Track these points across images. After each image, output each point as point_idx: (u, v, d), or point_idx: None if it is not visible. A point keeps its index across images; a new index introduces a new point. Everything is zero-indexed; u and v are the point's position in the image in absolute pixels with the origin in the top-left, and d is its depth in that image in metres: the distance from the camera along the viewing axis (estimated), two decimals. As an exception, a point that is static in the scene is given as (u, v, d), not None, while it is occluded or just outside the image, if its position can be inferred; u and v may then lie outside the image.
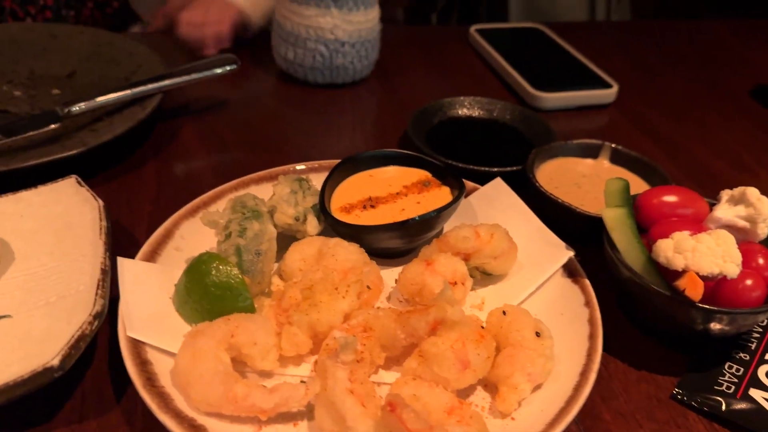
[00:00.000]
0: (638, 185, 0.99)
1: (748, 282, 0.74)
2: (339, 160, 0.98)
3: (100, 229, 0.80)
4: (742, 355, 0.80)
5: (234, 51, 1.36)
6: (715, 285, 0.75)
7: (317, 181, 0.93)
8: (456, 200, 0.86)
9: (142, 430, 0.68)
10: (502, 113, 1.21)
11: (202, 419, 0.64)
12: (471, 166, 1.01)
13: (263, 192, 0.92)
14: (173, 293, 0.78)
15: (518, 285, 0.83)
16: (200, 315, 0.74)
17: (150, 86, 1.09)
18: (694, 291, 0.72)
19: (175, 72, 1.12)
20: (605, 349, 0.75)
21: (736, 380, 0.76)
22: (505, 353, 0.70)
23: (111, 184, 1.01)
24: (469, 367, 0.67)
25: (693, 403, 0.74)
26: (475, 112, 1.21)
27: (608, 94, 1.33)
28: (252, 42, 1.46)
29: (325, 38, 1.25)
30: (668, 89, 1.45)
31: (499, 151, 1.13)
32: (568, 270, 0.84)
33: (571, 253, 0.84)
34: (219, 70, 1.15)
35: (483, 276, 0.84)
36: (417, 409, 0.61)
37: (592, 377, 0.69)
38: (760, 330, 0.83)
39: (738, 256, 0.73)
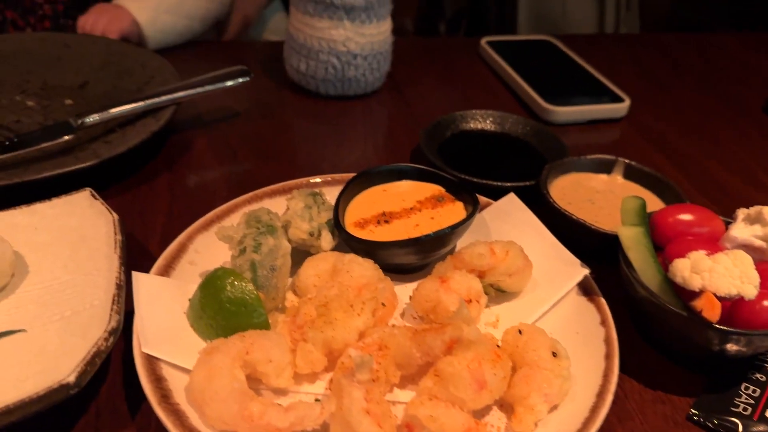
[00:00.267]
0: (652, 201, 0.99)
1: (766, 303, 0.73)
2: (352, 174, 0.98)
3: (115, 243, 0.80)
4: (758, 376, 0.79)
5: (245, 62, 1.37)
6: (732, 305, 0.74)
7: (331, 194, 0.93)
8: (470, 217, 0.86)
9: (156, 448, 0.68)
10: (514, 127, 1.20)
11: (217, 437, 0.64)
12: (484, 181, 1.01)
13: (277, 205, 0.92)
14: (188, 308, 0.78)
15: (533, 303, 0.83)
16: (215, 331, 0.74)
17: (163, 98, 1.09)
18: (712, 312, 0.72)
19: (188, 84, 1.12)
20: (620, 368, 0.74)
21: (752, 402, 0.76)
22: (522, 373, 0.70)
23: (124, 195, 1.01)
24: (485, 388, 0.66)
25: (709, 424, 0.73)
26: (488, 126, 1.21)
27: (620, 108, 1.32)
28: (263, 53, 1.47)
29: (338, 50, 1.25)
30: (680, 103, 1.45)
31: (512, 166, 1.13)
32: (584, 288, 0.83)
33: (586, 271, 0.84)
34: (232, 83, 1.15)
35: (497, 293, 0.83)
36: (434, 430, 0.61)
37: (609, 398, 0.69)
38: (777, 350, 0.83)
39: (756, 277, 0.72)
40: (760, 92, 1.51)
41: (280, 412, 0.65)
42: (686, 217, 0.84)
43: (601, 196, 1.00)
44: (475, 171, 1.03)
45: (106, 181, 1.03)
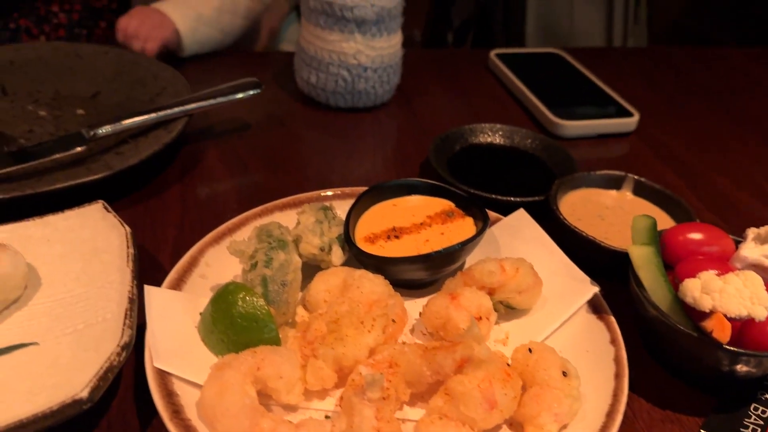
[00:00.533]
0: (661, 218, 0.99)
1: (776, 324, 0.73)
2: (362, 188, 0.99)
3: (128, 256, 0.80)
4: (768, 396, 0.79)
5: (255, 72, 1.38)
6: (742, 326, 0.74)
7: (341, 208, 0.93)
8: (480, 233, 0.86)
9: (167, 462, 0.68)
10: (523, 141, 1.21)
11: (228, 454, 0.64)
12: (493, 196, 1.01)
13: (287, 219, 0.93)
14: (199, 322, 0.78)
15: (543, 320, 0.83)
16: (226, 345, 0.75)
17: (175, 110, 1.09)
18: (722, 333, 0.72)
19: (200, 96, 1.13)
20: (629, 387, 0.74)
21: (761, 422, 0.76)
22: (532, 393, 0.70)
23: (136, 207, 1.02)
24: (495, 407, 0.67)
25: (719, 444, 0.74)
26: (497, 140, 1.21)
27: (629, 123, 1.33)
28: (273, 64, 1.48)
29: (348, 63, 1.26)
30: (688, 117, 1.45)
31: (521, 180, 1.13)
32: (593, 306, 0.83)
33: (596, 289, 0.84)
34: (243, 95, 1.16)
35: (507, 310, 0.84)
36: (444, 449, 0.61)
37: (619, 418, 0.69)
38: (786, 370, 0.83)
39: (766, 298, 0.72)
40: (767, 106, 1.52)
41: (290, 429, 0.65)
42: (696, 236, 0.84)
43: (610, 212, 1.00)
44: (485, 185, 1.03)
45: (118, 192, 1.03)
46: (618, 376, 0.74)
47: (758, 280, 0.73)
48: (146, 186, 1.07)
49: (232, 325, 0.74)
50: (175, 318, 0.77)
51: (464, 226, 0.91)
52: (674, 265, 0.83)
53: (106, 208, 0.87)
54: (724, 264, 0.80)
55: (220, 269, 0.87)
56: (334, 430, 0.65)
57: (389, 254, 0.85)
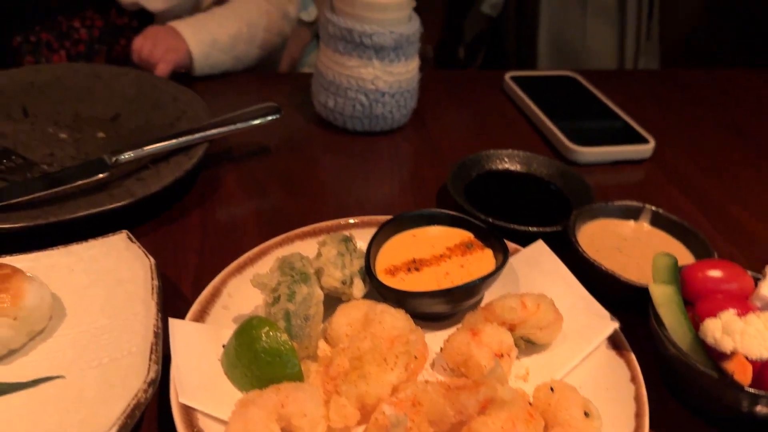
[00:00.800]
0: (679, 251, 0.99)
1: (797, 366, 0.74)
2: (380, 216, 1.00)
3: (152, 288, 0.81)
4: (788, 436, 0.79)
5: (272, 95, 1.39)
6: (762, 366, 0.74)
7: (360, 237, 0.94)
8: (501, 267, 0.87)
9: (192, 499, 0.68)
10: (540, 168, 1.21)
11: (253, 493, 0.65)
12: (512, 225, 1.02)
13: (308, 248, 0.93)
14: (222, 355, 0.79)
15: (563, 356, 0.83)
16: (249, 381, 0.75)
17: (196, 135, 1.10)
18: (743, 375, 0.72)
19: (220, 121, 1.14)
20: (649, 425, 0.75)
21: (782, 463, 0.76)
22: (554, 433, 0.70)
23: (156, 233, 1.03)
24: (519, 449, 0.67)
25: (739, 485, 0.74)
26: (513, 166, 1.22)
27: (645, 150, 1.33)
28: (290, 86, 1.49)
29: (366, 88, 1.27)
30: (703, 143, 1.46)
31: (538, 208, 1.14)
32: (613, 342, 0.84)
33: (616, 325, 0.84)
34: (263, 120, 1.17)
35: (527, 345, 0.84)
36: (469, 493, 0.62)
37: (640, 460, 0.69)
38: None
39: (787, 341, 0.73)
40: (783, 132, 1.52)
41: (315, 468, 0.66)
42: (716, 273, 0.85)
43: (629, 243, 1.01)
44: (502, 213, 1.04)
45: (138, 218, 1.04)
46: (638, 415, 0.74)
47: (779, 321, 0.74)
48: (166, 211, 1.08)
49: (256, 360, 0.75)
50: (199, 351, 0.78)
51: (484, 258, 0.92)
52: (693, 301, 0.83)
53: (130, 238, 0.88)
54: (743, 302, 0.80)
55: (241, 300, 0.87)
56: (359, 470, 0.65)
57: (410, 287, 0.86)
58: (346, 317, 0.83)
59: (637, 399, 0.76)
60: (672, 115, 1.56)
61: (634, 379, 0.79)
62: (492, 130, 1.44)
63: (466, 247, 0.93)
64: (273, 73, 1.64)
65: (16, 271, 0.79)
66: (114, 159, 1.04)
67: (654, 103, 1.61)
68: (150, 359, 0.72)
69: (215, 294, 0.86)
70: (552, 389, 0.74)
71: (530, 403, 0.73)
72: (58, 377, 0.74)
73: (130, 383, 0.70)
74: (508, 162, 1.23)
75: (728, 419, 0.80)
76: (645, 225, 1.04)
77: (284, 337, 0.76)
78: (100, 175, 1.02)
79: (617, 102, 1.49)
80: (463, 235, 0.95)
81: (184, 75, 1.44)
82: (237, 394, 0.75)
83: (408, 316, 0.82)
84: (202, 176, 1.16)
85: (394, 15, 1.23)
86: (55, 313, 0.82)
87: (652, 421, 0.75)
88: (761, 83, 1.77)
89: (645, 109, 1.55)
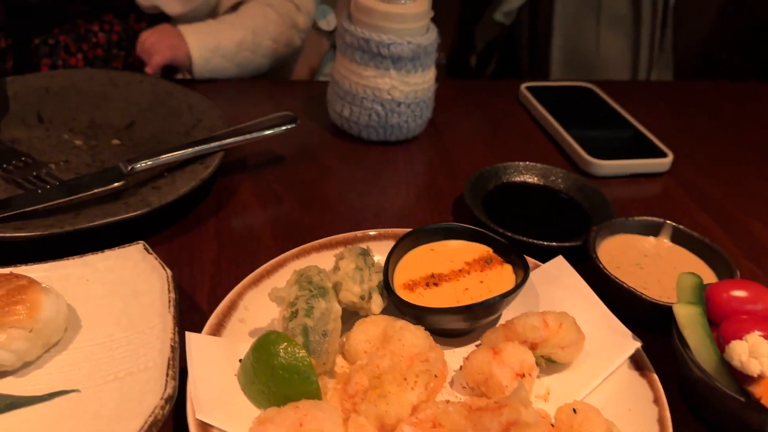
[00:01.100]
0: (700, 269, 0.98)
1: (825, 390, 0.72)
2: (397, 229, 0.99)
3: (169, 301, 0.80)
4: (814, 462, 0.78)
5: (286, 102, 1.38)
6: (789, 389, 0.73)
7: (377, 250, 0.93)
8: (521, 284, 0.86)
9: None
10: (557, 181, 1.20)
11: None
12: (531, 240, 1.01)
13: (324, 260, 0.93)
14: (238, 370, 0.78)
15: (584, 375, 0.82)
16: (266, 397, 0.74)
17: (212, 144, 1.10)
18: (771, 399, 0.71)
19: (236, 131, 1.13)
20: (673, 448, 0.73)
21: (808, 489, 0.74)
22: (578, 457, 0.69)
23: (172, 243, 1.02)
24: (542, 473, 0.66)
25: None
26: (531, 179, 1.21)
27: (663, 164, 1.32)
28: (305, 94, 1.48)
29: (382, 98, 1.26)
30: (721, 157, 1.44)
31: (556, 222, 1.13)
32: (635, 362, 0.82)
33: (638, 344, 0.83)
34: (279, 129, 1.16)
35: (548, 364, 0.83)
36: None
37: (665, 485, 0.68)
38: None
39: (815, 365, 0.71)
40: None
41: (335, 490, 0.65)
42: (740, 293, 0.83)
43: (649, 260, 0.99)
44: (520, 227, 1.03)
45: (153, 227, 1.03)
46: (662, 438, 0.73)
47: (807, 345, 0.72)
48: (182, 220, 1.07)
49: (273, 377, 0.74)
50: (215, 366, 0.77)
51: (503, 274, 0.91)
52: (716, 321, 0.82)
53: (146, 249, 0.87)
54: (768, 324, 0.79)
55: (258, 313, 0.86)
56: (379, 493, 0.64)
57: (429, 303, 0.85)
58: (364, 333, 0.81)
59: (661, 421, 0.75)
60: (689, 127, 1.55)
61: (657, 401, 0.77)
62: (507, 140, 1.43)
63: (485, 262, 0.92)
64: (288, 82, 1.63)
65: (32, 282, 0.79)
66: (130, 167, 1.04)
67: (671, 115, 1.60)
68: (167, 375, 0.71)
69: (232, 307, 0.85)
70: (574, 411, 0.72)
71: (552, 425, 0.72)
72: (73, 391, 0.74)
73: (146, 399, 0.69)
74: (525, 174, 1.21)
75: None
76: (665, 241, 1.03)
77: (302, 353, 0.75)
78: (116, 184, 1.01)
79: (634, 113, 1.48)
80: (482, 249, 0.94)
81: (200, 83, 1.44)
82: (254, 411, 0.74)
83: (428, 333, 0.81)
84: (217, 185, 1.16)
85: (412, 25, 1.22)
86: (70, 325, 0.81)
87: (674, 442, 0.74)
88: (779, 96, 1.76)
89: (662, 121, 1.53)
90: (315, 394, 0.74)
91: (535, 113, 1.50)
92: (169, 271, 0.84)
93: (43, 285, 0.79)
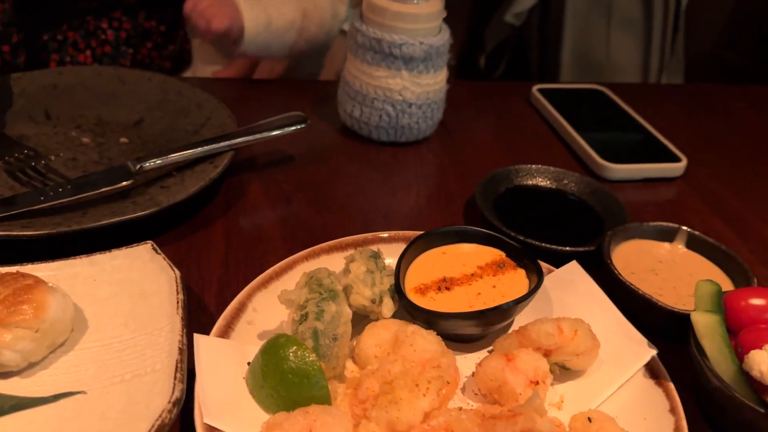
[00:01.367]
0: (716, 275, 0.96)
1: None
2: (408, 231, 0.98)
3: (177, 302, 0.79)
4: (834, 475, 0.76)
5: (296, 101, 1.37)
6: (809, 401, 0.72)
7: (387, 252, 0.91)
8: (535, 290, 0.84)
9: None
10: (570, 184, 1.18)
11: None
12: (544, 245, 0.99)
13: (334, 262, 0.91)
14: (247, 373, 0.76)
15: (599, 383, 0.80)
16: (275, 401, 0.73)
17: (222, 144, 1.08)
18: (791, 410, 0.69)
19: (246, 130, 1.12)
20: (689, 459, 0.72)
21: (828, 503, 0.73)
22: (593, 467, 0.67)
23: (180, 243, 1.00)
24: (557, 483, 0.64)
25: None
26: (543, 182, 1.19)
27: (677, 168, 1.30)
28: (314, 93, 1.47)
29: (393, 99, 1.24)
30: (735, 160, 1.42)
31: (569, 226, 1.11)
32: (651, 370, 0.81)
33: (654, 352, 0.82)
34: (289, 129, 1.15)
35: (562, 371, 0.81)
36: None
37: (682, 497, 0.67)
38: None
39: (837, 376, 0.70)
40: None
41: (345, 498, 0.63)
42: (758, 301, 0.81)
43: (664, 266, 0.98)
44: (532, 231, 1.01)
45: (161, 227, 1.02)
46: (679, 449, 0.72)
47: (829, 355, 0.71)
48: (190, 219, 1.06)
49: (283, 381, 0.72)
50: (224, 369, 0.75)
51: (516, 279, 0.89)
52: (734, 330, 0.80)
53: (155, 249, 0.86)
54: (789, 333, 0.77)
55: (267, 315, 0.85)
56: (390, 502, 0.63)
57: (441, 308, 0.83)
58: (374, 338, 0.80)
59: (677, 431, 0.73)
60: (702, 131, 1.53)
61: (673, 410, 0.76)
62: (518, 142, 1.41)
63: (497, 267, 0.90)
64: (298, 81, 1.62)
65: (38, 281, 0.77)
66: (138, 166, 1.02)
67: (683, 119, 1.58)
68: (175, 377, 0.69)
69: (240, 309, 0.84)
70: (590, 419, 0.71)
71: (567, 434, 0.71)
72: (79, 393, 0.72)
73: (153, 402, 0.68)
74: (538, 177, 1.20)
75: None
76: (680, 247, 1.01)
77: (312, 357, 0.73)
78: (124, 183, 1.00)
79: (646, 117, 1.46)
80: (494, 253, 0.92)
81: (209, 81, 1.43)
82: (262, 415, 0.73)
83: (439, 338, 0.79)
84: (225, 185, 1.14)
85: (425, 26, 1.21)
86: (76, 326, 0.80)
87: (691, 453, 0.73)
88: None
89: (674, 124, 1.51)
90: (325, 399, 0.73)
91: (546, 115, 1.49)
92: (177, 271, 0.83)
93: (50, 284, 0.78)
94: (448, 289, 0.87)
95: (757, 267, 1.10)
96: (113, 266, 0.85)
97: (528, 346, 0.79)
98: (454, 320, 0.82)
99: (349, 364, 0.81)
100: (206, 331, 0.79)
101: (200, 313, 0.89)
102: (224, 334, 0.80)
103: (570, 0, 2.27)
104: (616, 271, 0.91)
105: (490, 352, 0.84)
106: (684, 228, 1.01)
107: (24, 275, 0.78)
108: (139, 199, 1.00)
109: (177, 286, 0.81)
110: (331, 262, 0.92)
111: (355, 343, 0.82)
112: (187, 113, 1.23)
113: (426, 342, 0.78)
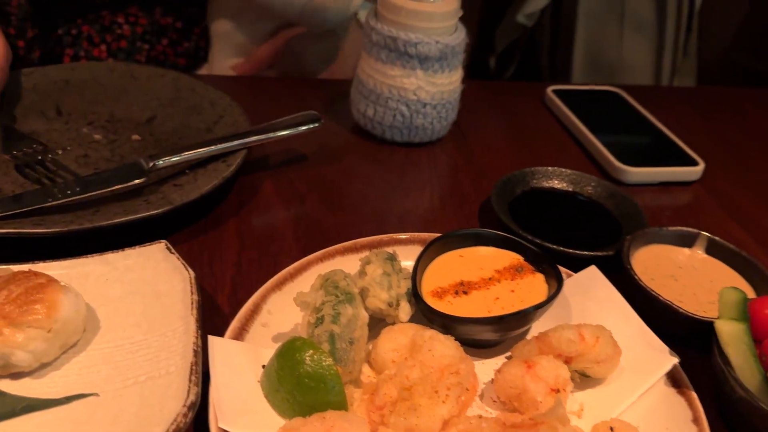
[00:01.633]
0: (737, 282, 0.95)
1: None
2: (423, 233, 0.97)
3: (192, 303, 0.77)
4: None
5: (308, 100, 1.36)
6: (837, 413, 0.70)
7: (402, 254, 0.90)
8: (555, 295, 0.83)
9: None
10: (587, 187, 1.17)
11: None
12: (563, 249, 0.98)
13: (349, 263, 0.90)
14: (262, 376, 0.75)
15: (619, 391, 0.79)
16: (291, 406, 0.72)
17: (235, 142, 1.07)
18: (819, 422, 0.68)
19: (259, 129, 1.11)
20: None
21: None
22: (617, 479, 0.66)
23: (193, 242, 0.99)
24: (580, 495, 0.63)
25: None
26: (559, 184, 1.18)
27: (694, 172, 1.28)
28: (327, 92, 1.46)
29: (408, 99, 1.23)
30: (752, 164, 1.41)
31: (586, 229, 1.09)
32: (673, 379, 0.79)
33: (675, 360, 0.80)
34: (302, 128, 1.13)
35: (582, 378, 0.80)
36: None
37: None
38: None
39: None
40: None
41: (363, 507, 0.62)
42: (783, 309, 0.80)
43: (684, 272, 0.96)
44: (549, 234, 1.00)
45: (174, 225, 1.01)
46: (703, 460, 0.70)
47: None
48: (202, 218, 1.04)
49: (299, 385, 0.71)
50: (238, 372, 0.74)
51: (535, 283, 0.88)
52: (758, 339, 0.78)
53: (168, 248, 0.85)
54: (814, 343, 0.76)
55: (281, 317, 0.84)
56: None
57: (458, 312, 0.82)
58: (391, 342, 0.79)
59: (701, 442, 0.72)
60: (718, 134, 1.51)
61: (696, 420, 0.74)
62: (533, 144, 1.40)
63: (516, 271, 0.89)
64: (311, 80, 1.60)
65: (51, 280, 0.76)
66: (151, 164, 1.01)
67: (698, 121, 1.56)
68: (190, 380, 0.68)
69: (255, 310, 0.82)
70: (612, 429, 0.69)
71: (589, 444, 0.69)
72: (91, 395, 0.71)
73: (167, 405, 0.67)
74: (554, 180, 1.18)
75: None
76: (700, 253, 1.00)
77: (329, 361, 0.72)
78: (137, 181, 0.99)
79: (661, 119, 1.44)
80: (512, 257, 0.91)
81: (222, 78, 1.41)
82: (278, 420, 0.72)
83: (458, 344, 0.78)
84: (238, 183, 1.13)
85: (441, 24, 1.19)
86: (89, 326, 0.78)
87: (715, 465, 0.71)
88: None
89: (689, 127, 1.49)
90: (341, 405, 0.71)
91: (561, 117, 1.47)
92: (192, 271, 0.81)
93: (62, 283, 0.77)
94: (465, 293, 0.85)
95: (777, 274, 1.08)
96: (126, 265, 0.84)
97: (548, 352, 0.77)
98: (473, 325, 0.80)
99: (366, 369, 0.80)
100: (220, 333, 0.78)
101: (214, 314, 0.88)
102: (238, 336, 0.79)
103: (583, 1, 2.25)
104: (636, 277, 0.90)
105: (508, 358, 0.83)
106: (704, 233, 0.99)
107: (36, 274, 0.77)
108: (152, 197, 0.99)
109: (192, 286, 0.79)
110: (346, 263, 0.91)
111: (371, 347, 0.80)
112: (199, 111, 1.22)
113: (445, 347, 0.76)
